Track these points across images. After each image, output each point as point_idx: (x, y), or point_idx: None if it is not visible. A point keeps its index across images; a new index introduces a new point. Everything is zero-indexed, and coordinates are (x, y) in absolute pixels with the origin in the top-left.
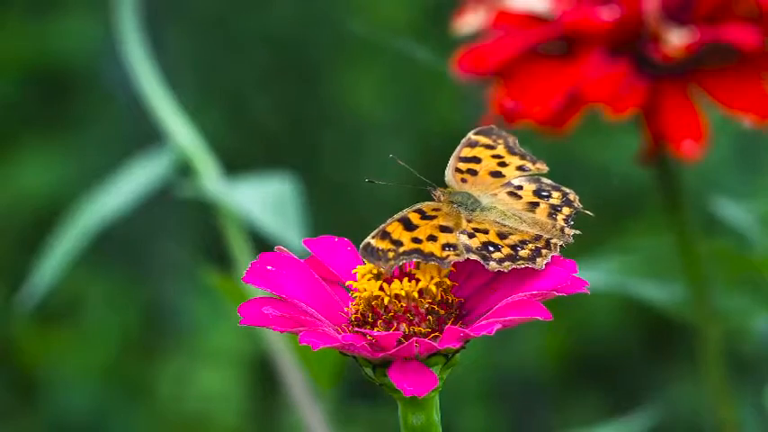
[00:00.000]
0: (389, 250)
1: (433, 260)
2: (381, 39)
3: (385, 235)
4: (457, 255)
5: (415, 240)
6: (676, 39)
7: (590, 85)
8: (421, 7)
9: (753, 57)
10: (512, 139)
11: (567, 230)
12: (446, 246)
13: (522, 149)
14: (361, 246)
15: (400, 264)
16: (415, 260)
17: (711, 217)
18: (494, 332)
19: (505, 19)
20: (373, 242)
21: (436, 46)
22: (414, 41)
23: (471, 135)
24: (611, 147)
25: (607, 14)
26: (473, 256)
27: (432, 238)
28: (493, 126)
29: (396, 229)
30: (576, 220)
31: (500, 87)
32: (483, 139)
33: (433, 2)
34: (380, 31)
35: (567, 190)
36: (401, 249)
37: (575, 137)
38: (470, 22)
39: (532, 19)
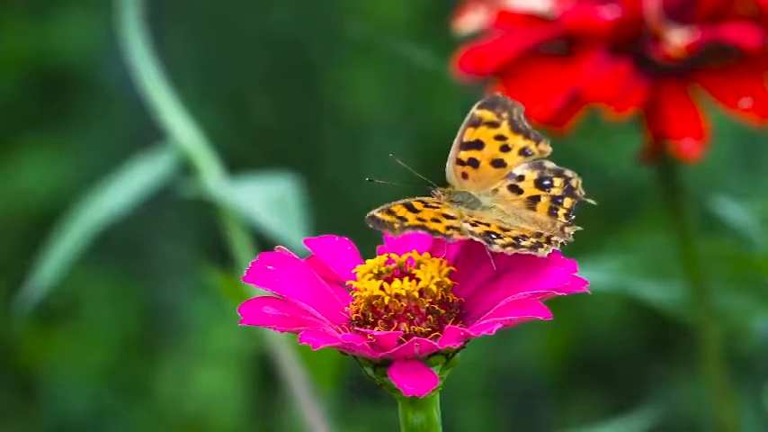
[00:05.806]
0: (394, 222)
1: (438, 235)
2: (379, 40)
3: (390, 212)
4: (461, 233)
5: (420, 219)
6: (677, 38)
7: (591, 85)
8: (421, 7)
9: (754, 56)
10: (516, 111)
11: (566, 229)
12: (449, 227)
13: (526, 125)
14: (366, 216)
15: (406, 233)
16: (419, 232)
17: (711, 217)
18: (494, 332)
19: (506, 18)
20: (378, 215)
21: (436, 46)
22: (413, 41)
23: (475, 110)
24: (612, 147)
25: (608, 14)
26: (476, 238)
27: (435, 221)
28: (498, 95)
29: (400, 209)
30: (577, 217)
31: (500, 87)
32: (487, 115)
33: (434, 2)
34: (379, 33)
35: (570, 174)
36: (406, 223)
37: (575, 137)
38: (471, 21)
39: (533, 19)
